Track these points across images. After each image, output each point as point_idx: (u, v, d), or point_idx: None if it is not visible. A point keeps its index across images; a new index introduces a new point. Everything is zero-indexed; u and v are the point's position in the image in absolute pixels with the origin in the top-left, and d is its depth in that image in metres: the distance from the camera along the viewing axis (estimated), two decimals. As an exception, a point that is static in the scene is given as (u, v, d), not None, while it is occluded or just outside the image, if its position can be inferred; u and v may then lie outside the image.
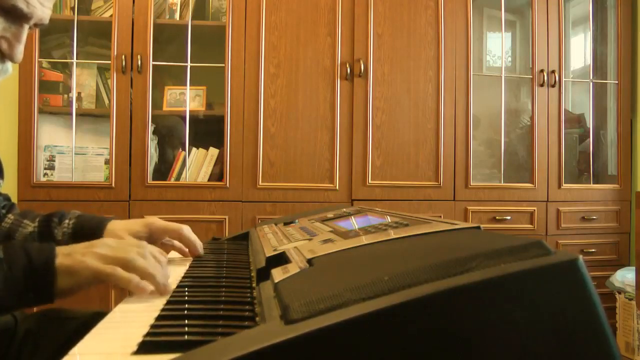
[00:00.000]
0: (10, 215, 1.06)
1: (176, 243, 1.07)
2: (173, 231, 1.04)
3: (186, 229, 1.04)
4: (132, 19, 2.45)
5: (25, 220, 1.04)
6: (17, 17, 0.80)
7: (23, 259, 0.70)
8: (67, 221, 1.04)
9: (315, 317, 0.42)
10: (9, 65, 0.83)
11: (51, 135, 2.47)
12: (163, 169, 2.59)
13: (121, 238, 0.99)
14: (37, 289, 0.70)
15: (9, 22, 0.80)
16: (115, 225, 1.03)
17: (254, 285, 0.78)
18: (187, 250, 1.07)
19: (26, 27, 0.82)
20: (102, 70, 2.58)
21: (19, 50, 0.81)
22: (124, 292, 0.75)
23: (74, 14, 2.46)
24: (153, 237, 1.04)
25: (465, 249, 0.51)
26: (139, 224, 1.04)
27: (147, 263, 0.75)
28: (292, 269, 0.64)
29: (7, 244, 0.73)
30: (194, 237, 1.05)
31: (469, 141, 2.67)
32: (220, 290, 0.76)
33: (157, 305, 0.67)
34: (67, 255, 0.73)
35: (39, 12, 0.82)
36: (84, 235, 0.98)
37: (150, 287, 0.73)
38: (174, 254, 1.11)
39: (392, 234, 0.73)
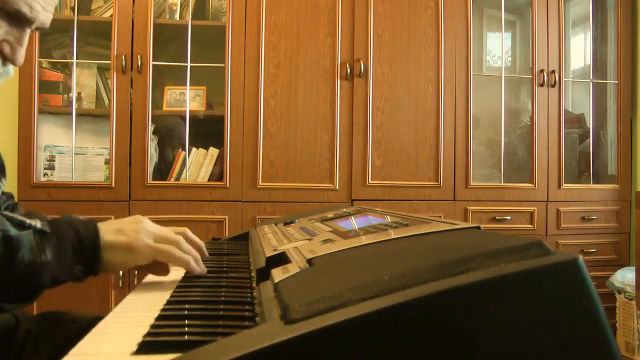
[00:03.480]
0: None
1: None
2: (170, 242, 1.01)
3: (182, 241, 0.91)
4: (132, 19, 2.45)
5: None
6: (20, 21, 0.81)
7: (71, 233, 0.74)
8: None
9: (315, 317, 0.42)
10: (11, 68, 0.84)
11: (51, 135, 2.47)
12: (163, 169, 2.59)
13: None
14: (86, 262, 0.74)
15: (11, 26, 0.80)
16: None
17: (254, 285, 0.79)
18: None
19: (28, 31, 0.83)
20: (102, 70, 2.58)
21: (21, 54, 0.82)
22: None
23: (74, 14, 2.46)
24: None
25: (465, 249, 0.51)
26: None
27: (190, 247, 0.84)
28: (292, 269, 0.64)
29: (51, 220, 0.76)
30: (189, 249, 0.99)
31: (469, 141, 2.67)
32: (220, 290, 0.76)
33: (157, 305, 0.67)
34: (119, 232, 0.77)
35: (42, 17, 0.82)
36: None
37: (198, 269, 0.82)
38: None
39: (392, 234, 0.73)
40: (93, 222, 0.77)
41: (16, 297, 0.71)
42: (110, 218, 1.06)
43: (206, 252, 1.04)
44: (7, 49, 0.81)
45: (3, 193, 1.07)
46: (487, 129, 2.89)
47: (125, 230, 0.77)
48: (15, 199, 1.15)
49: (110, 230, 0.77)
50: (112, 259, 0.76)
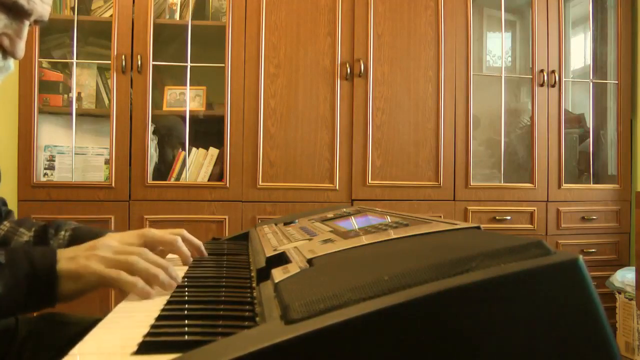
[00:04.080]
0: (6, 223, 1.04)
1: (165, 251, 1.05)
2: (167, 243, 0.99)
3: (179, 241, 0.98)
4: (132, 19, 2.45)
5: (21, 228, 1.02)
6: (18, 13, 0.80)
7: (25, 264, 0.70)
8: (63, 232, 1.02)
9: (315, 317, 0.42)
10: (11, 62, 0.84)
11: (51, 135, 2.47)
12: (163, 169, 2.59)
13: None
14: (39, 294, 0.70)
15: (10, 19, 0.80)
16: (110, 239, 1.01)
17: (254, 285, 0.78)
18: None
19: (27, 24, 0.83)
20: (102, 70, 2.58)
21: (21, 47, 0.82)
22: (125, 294, 0.75)
23: (74, 14, 2.46)
24: (148, 248, 1.02)
25: (465, 249, 0.51)
26: (133, 236, 1.00)
27: (149, 265, 0.75)
28: (292, 269, 0.64)
29: (9, 249, 0.73)
30: (185, 249, 1.00)
31: (469, 141, 2.67)
32: (220, 290, 0.76)
33: (157, 305, 0.67)
34: (71, 260, 0.73)
35: (39, 9, 0.82)
36: None
37: (153, 292, 0.73)
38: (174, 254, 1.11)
39: (392, 234, 0.73)
40: (52, 252, 0.74)
41: None
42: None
43: (205, 252, 1.04)
44: (6, 42, 0.81)
45: None
46: (487, 129, 2.89)
47: (77, 258, 0.74)
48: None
49: (65, 258, 0.73)
50: (63, 288, 0.72)
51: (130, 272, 0.73)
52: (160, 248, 1.02)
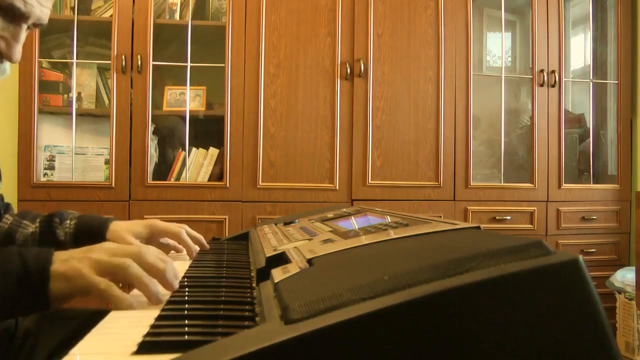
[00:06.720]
0: (7, 216, 1.05)
1: (170, 242, 1.09)
2: (173, 234, 1.07)
3: (184, 233, 1.07)
4: (132, 19, 2.45)
5: (25, 220, 1.04)
6: (15, 16, 0.80)
7: (18, 263, 0.67)
8: (68, 221, 1.04)
9: (315, 317, 0.42)
10: (7, 65, 0.83)
11: (51, 135, 2.47)
12: (163, 169, 2.59)
13: (124, 239, 1.01)
14: (31, 294, 0.67)
15: (6, 22, 0.79)
16: (118, 226, 1.04)
17: (254, 285, 0.78)
18: (183, 250, 1.09)
19: (24, 27, 0.82)
20: (102, 70, 2.58)
21: (17, 50, 0.81)
22: (124, 292, 0.75)
23: (74, 14, 2.46)
24: (154, 238, 1.07)
25: (465, 249, 0.51)
26: (140, 225, 1.05)
27: (142, 273, 0.69)
28: (292, 269, 0.64)
29: (3, 250, 0.71)
30: (190, 242, 1.08)
31: (469, 141, 2.67)
32: (220, 290, 0.76)
33: (157, 305, 0.67)
34: (64, 261, 0.69)
35: (37, 12, 0.81)
36: (87, 234, 1.00)
37: (136, 309, 0.68)
38: (174, 253, 1.13)
39: (392, 234, 0.73)
40: (48, 253, 0.70)
41: None
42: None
43: (206, 245, 1.11)
44: (2, 45, 0.80)
45: None
46: (487, 129, 2.89)
47: (70, 260, 0.69)
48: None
49: (60, 260, 0.69)
50: (54, 289, 0.68)
51: (122, 276, 0.69)
52: (166, 238, 1.07)
